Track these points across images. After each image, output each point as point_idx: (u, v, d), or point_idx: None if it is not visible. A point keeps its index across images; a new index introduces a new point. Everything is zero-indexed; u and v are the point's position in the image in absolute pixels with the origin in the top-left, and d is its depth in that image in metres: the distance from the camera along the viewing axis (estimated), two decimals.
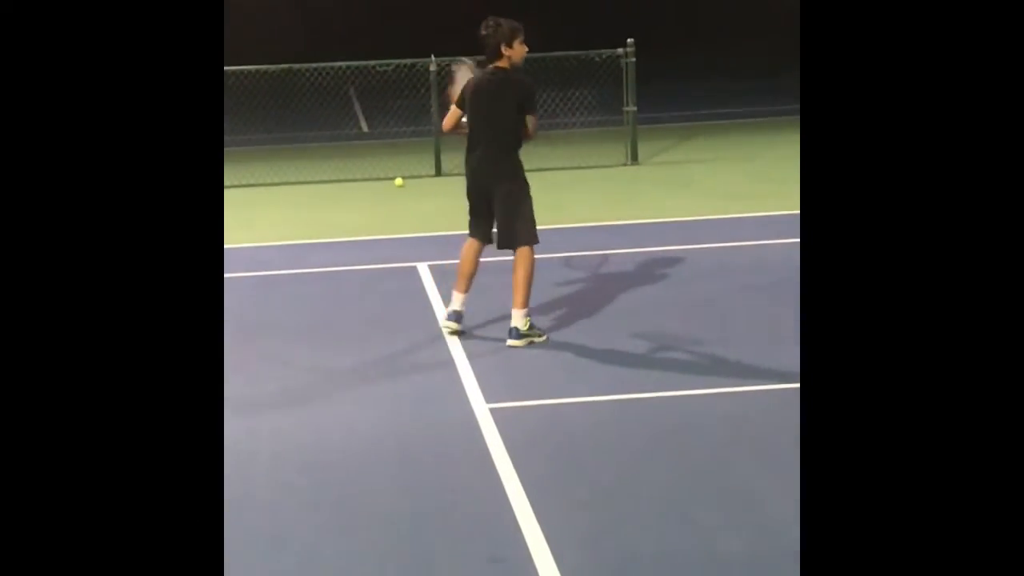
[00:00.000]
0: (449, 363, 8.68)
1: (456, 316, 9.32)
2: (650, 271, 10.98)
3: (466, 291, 9.32)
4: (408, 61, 18.17)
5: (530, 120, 9.08)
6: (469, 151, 9.25)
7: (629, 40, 17.59)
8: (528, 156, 16.36)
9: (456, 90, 9.40)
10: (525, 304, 9.06)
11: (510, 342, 9.01)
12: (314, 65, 18.34)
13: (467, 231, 9.40)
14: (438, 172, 17.12)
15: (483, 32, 9.09)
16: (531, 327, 9.09)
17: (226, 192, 13.44)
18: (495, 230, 9.26)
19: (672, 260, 11.43)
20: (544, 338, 9.11)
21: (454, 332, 9.28)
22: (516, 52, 9.09)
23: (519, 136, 9.12)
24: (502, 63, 9.08)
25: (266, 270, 11.89)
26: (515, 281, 9.06)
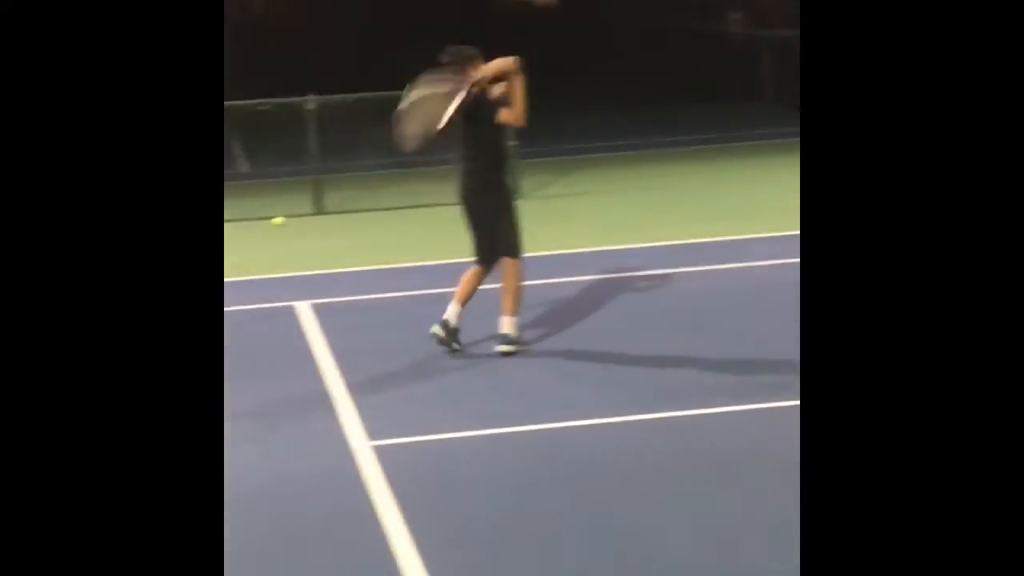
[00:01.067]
0: (330, 402, 8.53)
1: (443, 324, 9.43)
2: (534, 304, 10.90)
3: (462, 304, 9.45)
4: (287, 99, 18.02)
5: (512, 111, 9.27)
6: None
7: None
8: (410, 194, 16.38)
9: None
10: (515, 312, 9.38)
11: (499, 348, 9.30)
12: None
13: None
14: (318, 211, 16.95)
15: (445, 60, 9.40)
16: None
17: None
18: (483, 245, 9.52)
19: (556, 293, 11.37)
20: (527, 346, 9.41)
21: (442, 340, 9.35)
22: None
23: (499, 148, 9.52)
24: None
25: None
26: (504, 289, 9.37)
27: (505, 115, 9.30)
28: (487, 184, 9.42)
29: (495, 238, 9.41)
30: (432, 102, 9.30)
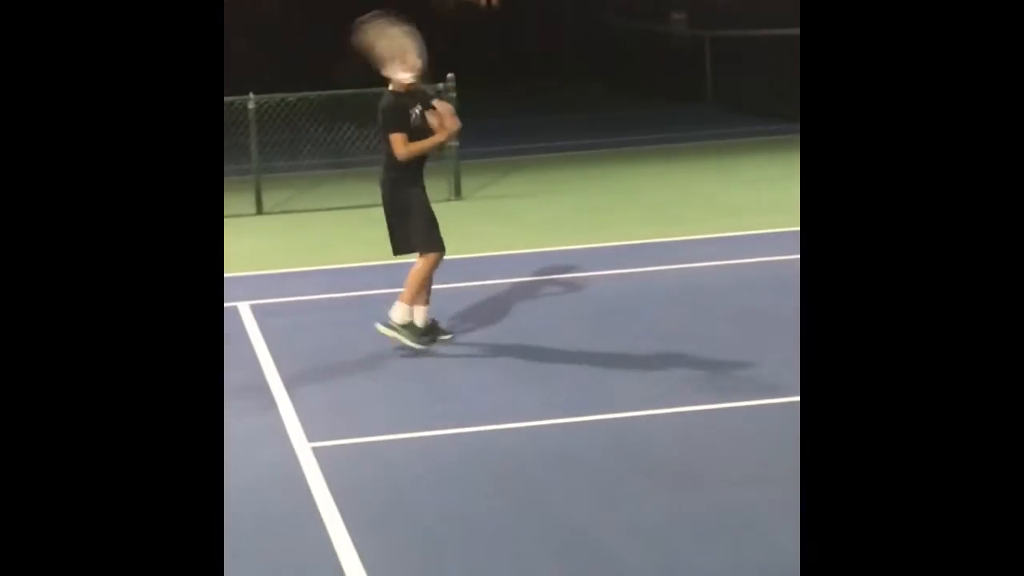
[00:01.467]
0: (270, 403, 8.49)
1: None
2: (474, 305, 10.90)
3: (424, 303, 9.59)
4: (228, 99, 17.90)
5: (407, 146, 9.42)
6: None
7: (449, 75, 17.55)
8: (350, 194, 16.32)
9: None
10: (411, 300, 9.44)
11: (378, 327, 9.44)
12: None
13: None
14: (259, 211, 16.90)
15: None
16: (409, 325, 9.46)
17: None
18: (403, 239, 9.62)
19: (495, 294, 11.37)
20: (449, 336, 9.65)
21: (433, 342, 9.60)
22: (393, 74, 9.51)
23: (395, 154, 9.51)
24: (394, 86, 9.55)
25: None
26: (409, 278, 9.47)
27: (397, 145, 9.38)
28: (394, 189, 9.55)
29: (405, 236, 9.56)
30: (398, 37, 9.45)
